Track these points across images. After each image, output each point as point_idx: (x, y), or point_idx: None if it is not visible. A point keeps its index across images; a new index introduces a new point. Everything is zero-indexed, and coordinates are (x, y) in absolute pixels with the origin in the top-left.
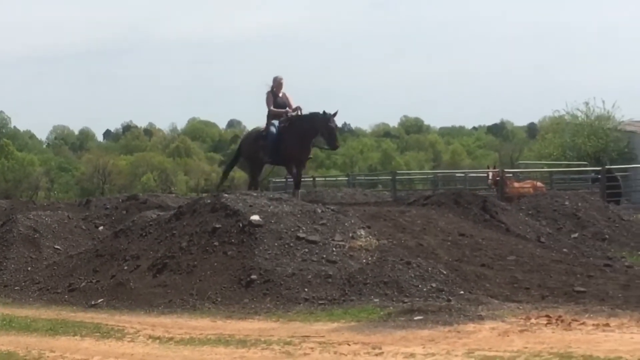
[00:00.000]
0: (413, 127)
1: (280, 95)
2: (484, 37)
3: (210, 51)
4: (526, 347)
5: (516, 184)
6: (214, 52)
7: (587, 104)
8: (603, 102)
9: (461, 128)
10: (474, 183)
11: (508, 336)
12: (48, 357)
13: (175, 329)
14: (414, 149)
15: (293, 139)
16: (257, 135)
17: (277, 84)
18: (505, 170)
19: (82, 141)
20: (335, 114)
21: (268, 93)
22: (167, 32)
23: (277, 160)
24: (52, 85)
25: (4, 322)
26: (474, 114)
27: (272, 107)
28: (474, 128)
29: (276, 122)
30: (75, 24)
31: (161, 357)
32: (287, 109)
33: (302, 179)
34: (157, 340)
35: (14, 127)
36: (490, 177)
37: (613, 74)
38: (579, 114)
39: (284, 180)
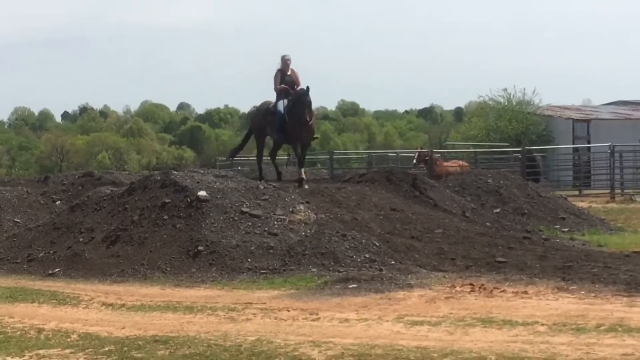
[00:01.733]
0: (350, 111)
1: (289, 73)
2: (416, 28)
3: (162, 39)
4: (451, 313)
5: (445, 163)
6: (165, 39)
7: (505, 90)
8: (523, 89)
9: (394, 112)
10: (405, 162)
11: (435, 303)
12: (7, 322)
13: (127, 297)
14: (351, 130)
15: (294, 118)
16: (267, 111)
17: (283, 62)
18: (434, 150)
19: (41, 122)
20: (308, 89)
21: (276, 72)
22: (121, 20)
23: (283, 138)
24: (14, 70)
25: None
26: (406, 99)
27: (277, 86)
28: (406, 111)
29: (284, 101)
30: (35, 12)
31: (114, 322)
32: (295, 86)
33: (245, 157)
34: (110, 307)
35: None
36: (415, 157)
37: (533, 63)
38: (501, 99)
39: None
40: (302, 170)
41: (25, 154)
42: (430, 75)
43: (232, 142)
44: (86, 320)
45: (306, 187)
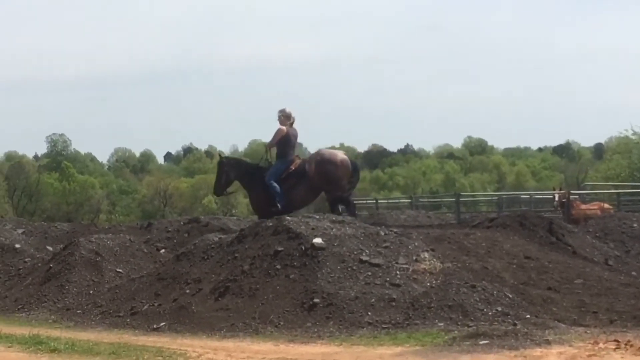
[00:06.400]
0: (477, 148)
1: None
2: (549, 58)
3: (268, 75)
4: None
5: (583, 206)
6: (272, 76)
7: None
8: None
9: (526, 149)
10: (539, 205)
11: None
12: None
13: (238, 353)
14: (478, 170)
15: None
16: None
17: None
18: (572, 191)
19: (143, 164)
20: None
21: None
22: (227, 54)
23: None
24: (114, 109)
25: (67, 346)
26: (539, 135)
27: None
28: (539, 149)
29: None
30: (136, 50)
31: None
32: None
33: (363, 201)
34: None
35: (75, 149)
36: (556, 199)
37: None
38: None
39: None
40: None
41: (126, 198)
42: (567, 108)
43: None
44: None
45: None
